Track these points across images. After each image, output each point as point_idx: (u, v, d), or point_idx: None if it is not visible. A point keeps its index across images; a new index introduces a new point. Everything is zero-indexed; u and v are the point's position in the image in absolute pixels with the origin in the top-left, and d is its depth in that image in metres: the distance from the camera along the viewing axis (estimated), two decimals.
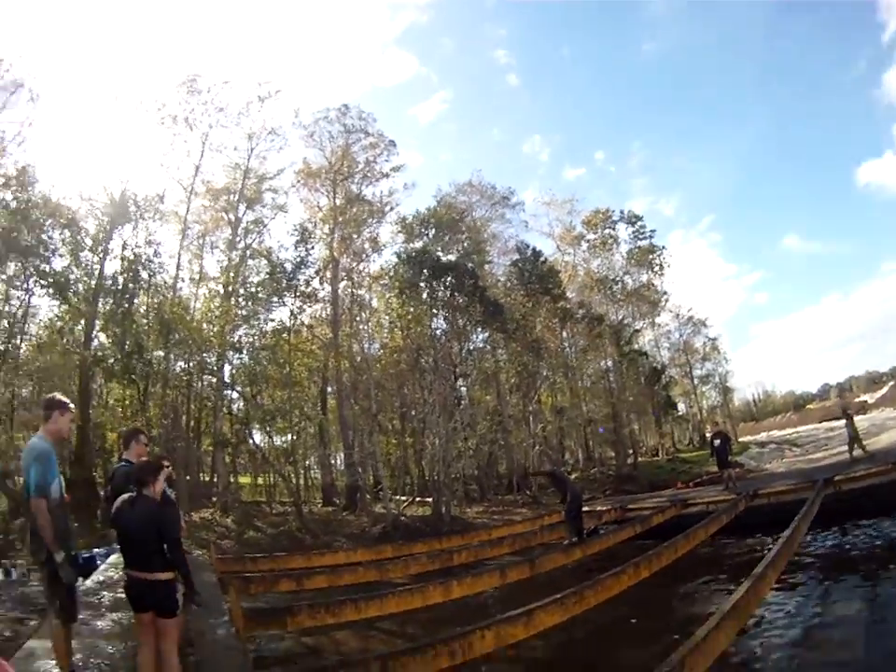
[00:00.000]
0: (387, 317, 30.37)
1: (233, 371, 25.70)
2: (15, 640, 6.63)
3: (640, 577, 8.03)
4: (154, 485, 4.14)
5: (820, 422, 68.81)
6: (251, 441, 25.27)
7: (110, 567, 8.37)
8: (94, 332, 23.16)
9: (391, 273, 29.32)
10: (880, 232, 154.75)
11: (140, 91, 43.71)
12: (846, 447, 17.52)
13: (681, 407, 51.03)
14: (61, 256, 22.62)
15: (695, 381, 52.20)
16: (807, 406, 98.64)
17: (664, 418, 43.92)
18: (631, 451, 37.54)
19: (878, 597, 7.95)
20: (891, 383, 72.60)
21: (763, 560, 7.04)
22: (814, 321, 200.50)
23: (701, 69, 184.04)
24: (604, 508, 16.09)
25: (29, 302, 24.26)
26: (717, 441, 16.05)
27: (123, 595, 4.41)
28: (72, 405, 4.57)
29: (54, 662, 4.27)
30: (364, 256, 31.96)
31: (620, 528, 12.62)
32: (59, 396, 4.64)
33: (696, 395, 53.11)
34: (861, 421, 17.41)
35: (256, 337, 25.03)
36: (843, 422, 18.94)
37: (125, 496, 4.20)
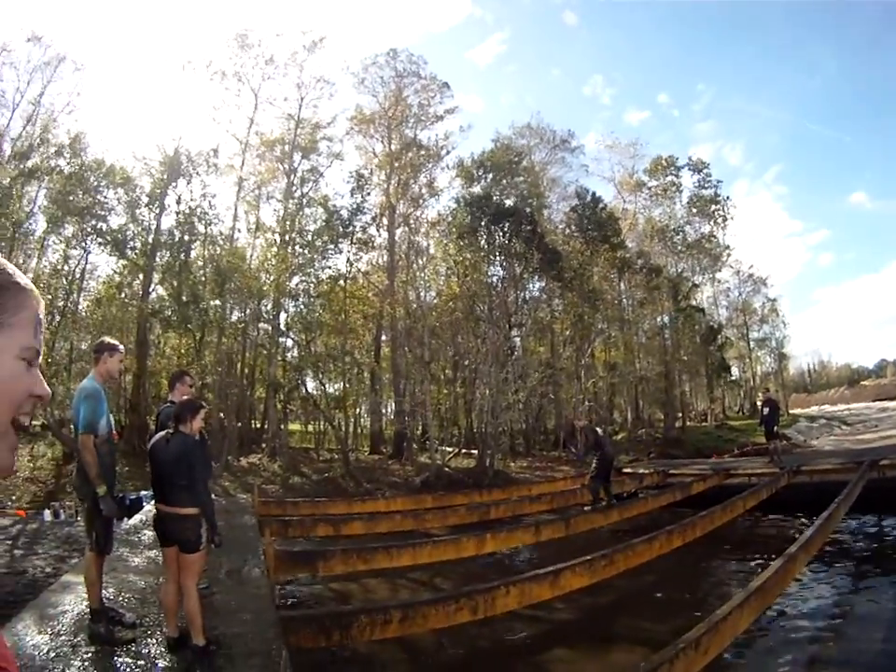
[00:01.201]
0: (444, 264, 30.30)
1: (288, 319, 26.27)
2: (55, 576, 7.17)
3: (673, 545, 7.99)
4: (191, 422, 4.27)
5: (874, 400, 65.41)
6: (303, 388, 25.89)
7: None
8: (152, 285, 24.12)
9: (449, 219, 29.18)
10: None
11: (188, 51, 43.93)
12: None
13: (735, 371, 49.14)
14: (117, 214, 23.57)
15: (751, 344, 50.23)
16: (862, 382, 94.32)
17: (716, 381, 42.61)
18: (680, 414, 36.75)
19: None
20: None
21: (796, 541, 6.88)
22: (878, 289, 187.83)
23: (768, 6, 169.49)
24: (646, 471, 15.97)
25: (87, 260, 25.36)
26: (766, 410, 15.31)
27: None
28: (121, 346, 4.73)
29: (86, 595, 4.50)
30: (421, 201, 31.88)
31: (659, 493, 12.54)
32: (107, 339, 4.80)
33: (751, 359, 51.07)
34: None
35: (311, 284, 25.43)
36: None
37: (163, 432, 4.41)
